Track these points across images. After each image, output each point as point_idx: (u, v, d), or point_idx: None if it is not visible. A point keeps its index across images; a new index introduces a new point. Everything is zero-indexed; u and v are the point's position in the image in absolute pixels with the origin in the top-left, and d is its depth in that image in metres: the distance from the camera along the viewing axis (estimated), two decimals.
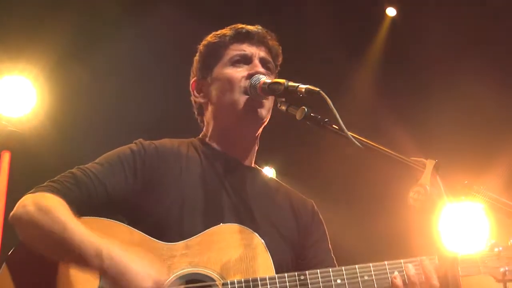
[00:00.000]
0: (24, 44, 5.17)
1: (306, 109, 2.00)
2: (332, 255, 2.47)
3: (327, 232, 2.52)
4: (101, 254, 1.92)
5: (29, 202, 2.08)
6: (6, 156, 5.00)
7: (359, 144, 1.82)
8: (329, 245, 2.49)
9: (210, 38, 2.55)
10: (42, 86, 5.21)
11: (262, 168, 2.68)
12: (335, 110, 1.84)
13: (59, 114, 5.36)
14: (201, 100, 2.54)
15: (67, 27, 5.24)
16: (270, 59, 2.50)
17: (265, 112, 2.40)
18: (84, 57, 5.50)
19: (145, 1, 5.78)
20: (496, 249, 2.20)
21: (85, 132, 5.34)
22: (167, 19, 5.64)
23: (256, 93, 2.29)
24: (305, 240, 2.42)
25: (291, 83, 2.09)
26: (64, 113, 5.39)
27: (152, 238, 2.13)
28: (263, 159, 2.66)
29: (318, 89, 1.96)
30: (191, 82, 2.58)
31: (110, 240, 1.97)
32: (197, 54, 2.57)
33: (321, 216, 2.53)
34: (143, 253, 2.01)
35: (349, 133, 1.84)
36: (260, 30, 2.51)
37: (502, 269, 2.17)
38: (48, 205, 2.05)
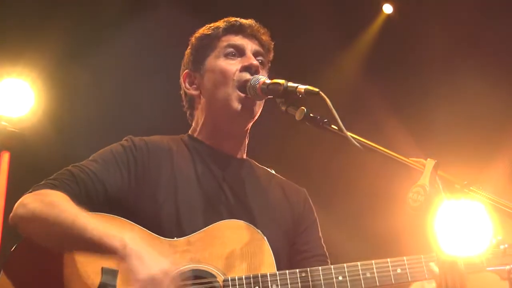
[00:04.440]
0: (22, 47, 5.17)
1: (305, 110, 2.00)
2: (323, 242, 2.48)
3: (317, 220, 2.52)
4: (121, 241, 1.91)
5: (30, 200, 2.09)
6: (6, 156, 5.00)
7: (358, 145, 1.82)
8: (319, 232, 2.50)
9: (202, 30, 2.55)
10: (41, 87, 5.22)
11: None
12: (334, 111, 1.84)
13: (58, 115, 5.37)
14: (193, 92, 2.52)
15: (65, 29, 5.25)
16: (263, 51, 2.50)
17: (257, 108, 2.41)
18: (81, 58, 5.51)
19: (142, 3, 5.78)
20: (501, 247, 2.19)
21: (84, 133, 5.34)
22: (165, 20, 5.64)
23: (255, 93, 2.28)
24: (297, 227, 2.44)
25: (290, 84, 2.09)
26: (63, 114, 5.40)
27: (154, 234, 2.14)
28: (261, 159, 2.65)
29: (317, 89, 1.96)
30: (182, 74, 2.57)
31: (124, 231, 1.98)
32: (189, 46, 2.57)
33: (312, 204, 2.54)
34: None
35: (348, 133, 1.84)
36: (253, 24, 2.51)
37: (507, 267, 2.15)
38: (52, 199, 2.07)
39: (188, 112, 2.58)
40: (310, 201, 2.55)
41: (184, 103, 2.59)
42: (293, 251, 2.39)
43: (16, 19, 5.23)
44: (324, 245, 2.47)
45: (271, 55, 2.58)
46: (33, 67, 5.17)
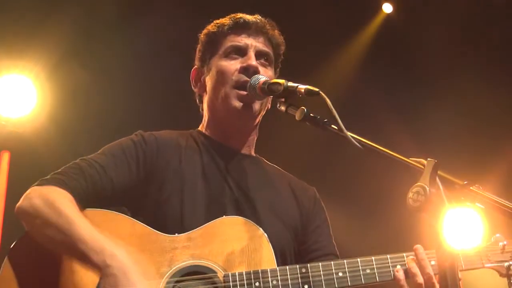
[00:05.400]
0: (25, 43, 5.16)
1: (305, 110, 2.00)
2: (334, 241, 2.48)
3: (328, 219, 2.53)
4: (104, 252, 1.94)
5: (35, 195, 2.10)
6: (6, 156, 5.00)
7: (358, 145, 1.82)
8: (331, 231, 2.51)
9: (210, 27, 2.56)
10: (42, 86, 5.21)
11: None
12: (334, 111, 1.85)
13: (59, 114, 5.36)
14: (198, 89, 2.57)
15: (68, 26, 5.23)
16: (268, 50, 2.50)
17: (257, 106, 2.42)
18: (84, 56, 5.49)
19: (146, 1, 5.77)
20: (500, 243, 2.19)
21: (85, 132, 5.33)
22: (167, 17, 5.63)
23: (255, 93, 2.29)
24: (307, 226, 2.44)
25: (290, 84, 2.09)
26: (64, 113, 5.38)
27: (154, 230, 2.15)
28: (268, 158, 2.65)
29: (317, 89, 1.96)
30: (192, 70, 2.61)
31: (115, 241, 1.99)
32: (199, 43, 2.59)
33: (322, 203, 2.55)
34: (146, 261, 2.04)
35: (348, 133, 1.84)
36: (258, 20, 2.50)
37: (506, 264, 2.17)
38: (54, 199, 2.08)
39: (200, 107, 2.62)
40: (320, 200, 2.55)
41: (196, 97, 2.63)
42: (303, 250, 2.40)
43: (18, 15, 5.20)
44: (335, 243, 2.48)
45: (282, 47, 2.58)
46: (34, 66, 5.16)
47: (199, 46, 2.59)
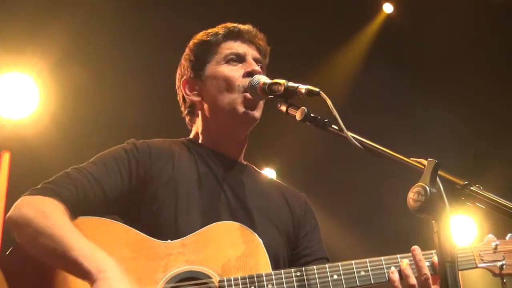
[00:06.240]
0: (26, 42, 5.15)
1: (306, 110, 2.00)
2: (324, 246, 2.50)
3: (318, 225, 2.55)
4: (97, 259, 1.91)
5: (25, 204, 2.08)
6: (6, 156, 4.99)
7: (359, 145, 1.82)
8: (321, 236, 2.52)
9: (201, 36, 2.55)
10: (43, 86, 5.20)
11: (263, 169, 2.69)
12: (335, 111, 1.85)
13: (61, 114, 5.36)
14: (194, 98, 2.52)
15: (71, 22, 5.23)
16: (261, 58, 2.52)
17: (259, 113, 2.43)
18: (85, 56, 5.49)
19: (148, 1, 5.78)
20: (493, 243, 2.20)
21: (86, 132, 5.33)
22: (168, 18, 5.63)
23: (256, 93, 2.30)
24: (298, 232, 2.45)
25: (291, 84, 2.10)
26: (65, 113, 5.38)
27: (148, 236, 2.14)
28: (263, 159, 2.66)
29: (318, 89, 1.97)
30: (181, 80, 2.57)
31: (108, 249, 1.97)
32: (187, 53, 2.57)
33: (313, 209, 2.56)
34: (140, 267, 2.03)
35: (349, 133, 1.84)
36: (251, 29, 2.52)
37: (499, 263, 2.18)
38: (45, 209, 2.06)
39: (188, 118, 2.60)
40: (311, 206, 2.56)
41: (183, 108, 2.60)
42: (295, 255, 2.41)
43: (19, 14, 5.19)
44: (325, 248, 2.49)
45: (267, 60, 2.59)
46: (35, 66, 5.15)
47: (189, 56, 2.55)
